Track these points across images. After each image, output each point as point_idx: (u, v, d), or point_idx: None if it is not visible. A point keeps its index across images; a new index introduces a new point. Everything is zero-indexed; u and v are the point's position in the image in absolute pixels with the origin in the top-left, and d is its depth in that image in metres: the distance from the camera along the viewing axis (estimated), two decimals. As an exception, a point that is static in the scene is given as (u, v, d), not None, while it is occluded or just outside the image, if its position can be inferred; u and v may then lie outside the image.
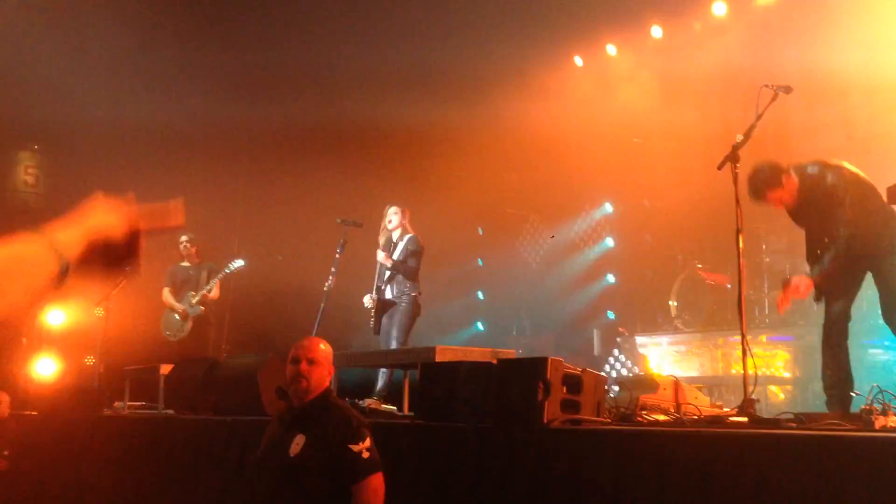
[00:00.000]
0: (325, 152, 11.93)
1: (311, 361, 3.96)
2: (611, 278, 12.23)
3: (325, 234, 9.09)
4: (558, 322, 12.28)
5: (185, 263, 9.34)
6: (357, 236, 7.95)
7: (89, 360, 10.25)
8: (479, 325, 13.60)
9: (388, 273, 7.72)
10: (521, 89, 11.79)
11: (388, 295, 7.73)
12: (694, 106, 11.80)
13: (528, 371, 4.17)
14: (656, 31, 11.61)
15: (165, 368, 7.40)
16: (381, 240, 7.93)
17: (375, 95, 11.18)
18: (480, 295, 13.88)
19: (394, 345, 7.40)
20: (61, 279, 1.42)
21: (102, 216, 1.49)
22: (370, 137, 11.70)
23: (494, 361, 4.61)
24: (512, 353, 6.57)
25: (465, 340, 12.49)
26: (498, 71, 11.37)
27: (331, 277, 7.57)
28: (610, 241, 12.46)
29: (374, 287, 7.75)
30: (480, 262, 14.10)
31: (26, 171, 12.19)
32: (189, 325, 9.13)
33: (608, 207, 12.61)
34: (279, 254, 11.68)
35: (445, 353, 5.77)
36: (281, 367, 4.06)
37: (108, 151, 10.92)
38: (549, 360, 4.12)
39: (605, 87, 12.19)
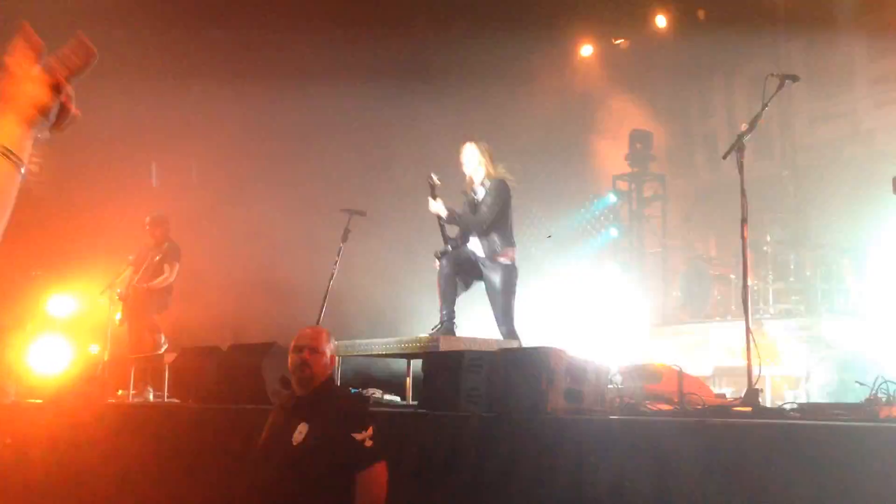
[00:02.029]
0: (329, 137, 11.91)
1: (314, 350, 3.95)
2: (614, 268, 12.21)
3: (330, 223, 9.10)
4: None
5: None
6: (361, 225, 7.91)
7: (94, 349, 10.26)
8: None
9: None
10: (524, 82, 11.77)
11: (477, 251, 6.41)
12: (696, 95, 11.80)
13: (532, 361, 4.17)
14: (660, 21, 11.58)
15: (170, 357, 7.41)
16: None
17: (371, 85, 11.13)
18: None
19: (503, 325, 6.31)
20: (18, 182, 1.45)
21: (30, 91, 1.45)
22: (373, 125, 11.67)
23: (498, 351, 4.60)
24: (516, 343, 6.57)
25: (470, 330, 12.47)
26: (499, 63, 11.35)
27: (334, 267, 7.51)
28: (614, 231, 12.43)
29: (443, 238, 6.49)
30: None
31: (30, 161, 12.19)
32: (119, 311, 8.90)
33: (612, 197, 12.58)
34: (282, 241, 11.67)
35: (449, 342, 5.77)
36: (284, 356, 4.06)
37: (111, 138, 10.92)
38: (553, 350, 4.11)
39: (608, 78, 12.17)
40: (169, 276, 8.93)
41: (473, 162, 6.44)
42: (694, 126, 12.51)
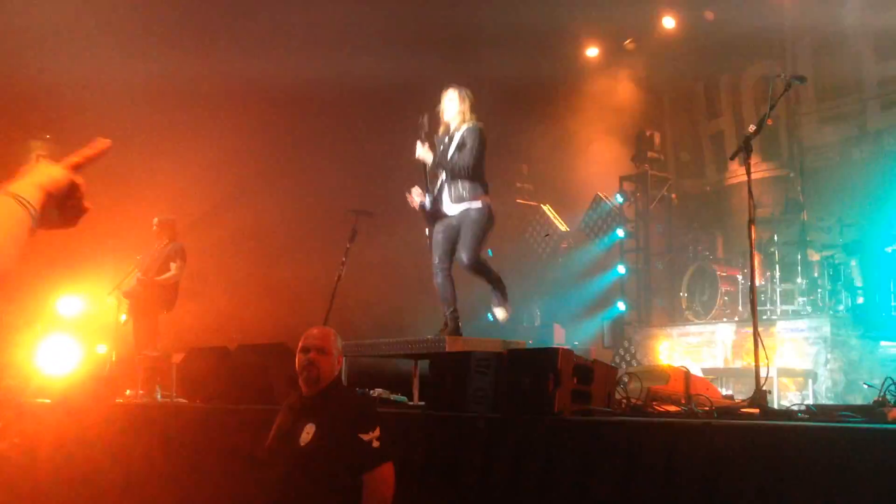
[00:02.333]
0: (336, 137, 11.92)
1: (321, 351, 3.95)
2: (621, 269, 12.20)
3: (337, 223, 9.09)
4: (568, 313, 12.25)
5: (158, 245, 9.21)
6: (368, 225, 7.90)
7: (102, 349, 10.28)
8: (490, 316, 13.56)
9: (442, 175, 6.38)
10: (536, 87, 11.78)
11: (447, 202, 6.35)
12: (702, 96, 11.78)
13: (539, 361, 4.16)
14: (668, 22, 11.56)
15: (178, 357, 7.41)
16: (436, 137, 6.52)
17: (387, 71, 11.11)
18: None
19: (464, 259, 6.17)
20: (33, 230, 1.53)
21: (49, 169, 1.62)
22: (379, 124, 11.66)
23: (505, 352, 4.59)
24: (523, 343, 6.56)
25: (476, 330, 12.46)
26: (506, 65, 11.34)
27: (342, 267, 7.50)
28: (620, 232, 12.41)
29: (427, 187, 6.39)
30: (490, 253, 14.04)
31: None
32: (125, 312, 8.93)
33: (619, 198, 12.56)
34: (290, 242, 11.66)
35: (456, 342, 5.77)
36: (292, 357, 4.06)
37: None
38: (560, 351, 4.11)
39: (614, 79, 12.16)
40: (175, 273, 8.94)
41: (454, 108, 6.36)
42: (701, 127, 12.48)
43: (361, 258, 7.96)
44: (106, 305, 9.73)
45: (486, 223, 6.24)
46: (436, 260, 6.34)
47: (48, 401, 7.99)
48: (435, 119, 6.47)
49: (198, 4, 10.88)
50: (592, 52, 12.64)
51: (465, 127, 6.31)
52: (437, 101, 6.48)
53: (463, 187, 6.21)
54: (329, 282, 7.52)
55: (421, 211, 6.39)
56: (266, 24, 11.16)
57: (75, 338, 10.18)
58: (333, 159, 12.04)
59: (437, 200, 6.34)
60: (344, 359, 4.16)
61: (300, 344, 4.01)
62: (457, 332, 6.17)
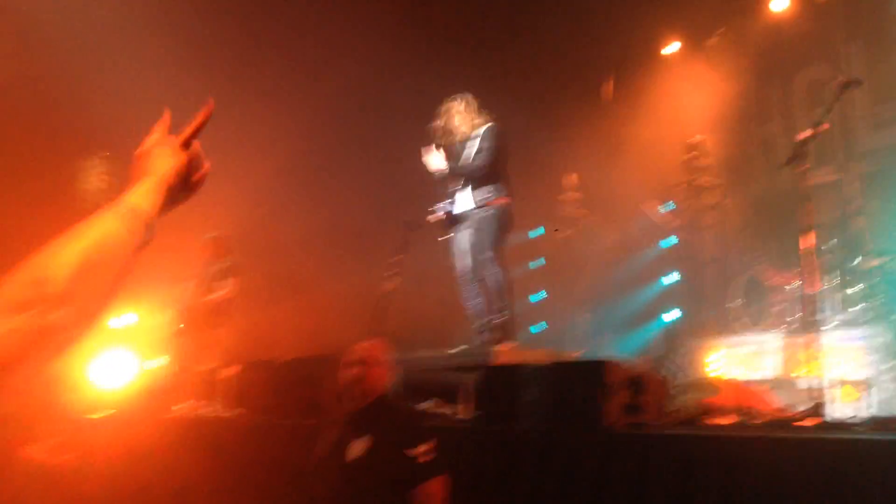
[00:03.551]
0: (385, 145, 11.96)
1: (367, 364, 3.92)
2: (671, 278, 12.01)
3: (389, 234, 9.11)
4: (619, 323, 12.10)
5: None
6: (420, 237, 7.88)
7: (157, 363, 10.41)
8: (533, 329, 13.50)
9: (461, 181, 6.28)
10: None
11: (467, 206, 6.26)
12: (757, 101, 11.59)
13: (590, 373, 4.09)
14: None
15: (230, 370, 7.47)
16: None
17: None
18: (543, 294, 13.78)
19: (487, 255, 6.10)
20: (145, 242, 1.54)
21: (162, 161, 1.61)
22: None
23: (554, 363, 4.53)
24: (572, 354, 6.48)
25: (525, 342, 12.40)
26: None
27: (394, 279, 7.48)
28: (673, 239, 12.22)
29: (442, 193, 6.37)
30: (542, 262, 14.00)
31: (99, 178, 12.45)
32: (179, 331, 9.03)
33: (668, 205, 12.37)
34: (341, 252, 11.72)
35: (503, 355, 5.71)
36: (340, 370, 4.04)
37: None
38: (610, 362, 4.03)
39: (660, 85, 12.02)
40: (229, 290, 9.02)
41: (461, 117, 6.33)
42: (751, 132, 12.26)
43: (413, 270, 7.95)
44: (161, 319, 9.86)
45: (504, 224, 6.22)
46: (461, 270, 6.29)
47: (103, 415, 8.10)
48: (446, 129, 6.41)
49: (241, 18, 11.04)
50: (671, 48, 12.48)
51: (481, 129, 6.28)
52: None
53: (483, 190, 6.21)
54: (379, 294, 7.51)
55: (444, 219, 6.39)
56: (313, 35, 11.26)
57: (130, 351, 10.33)
58: (383, 168, 12.09)
59: (455, 207, 6.35)
60: (394, 372, 4.13)
61: (347, 357, 4.00)
62: (503, 341, 6.09)
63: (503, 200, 6.22)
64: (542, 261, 14.03)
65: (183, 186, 1.65)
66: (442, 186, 6.44)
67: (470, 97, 6.40)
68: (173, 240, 9.77)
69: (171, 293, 9.34)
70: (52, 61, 10.10)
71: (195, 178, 1.67)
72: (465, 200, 6.31)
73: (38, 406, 6.90)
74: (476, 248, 6.24)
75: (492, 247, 6.12)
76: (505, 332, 6.15)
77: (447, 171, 6.31)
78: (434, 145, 6.34)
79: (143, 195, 1.53)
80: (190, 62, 10.59)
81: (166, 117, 1.72)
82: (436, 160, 6.34)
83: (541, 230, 14.09)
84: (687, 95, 11.69)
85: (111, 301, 1.44)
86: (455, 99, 6.40)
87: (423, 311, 10.46)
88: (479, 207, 6.21)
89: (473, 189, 6.24)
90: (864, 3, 10.30)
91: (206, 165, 1.70)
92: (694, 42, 11.88)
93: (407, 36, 10.97)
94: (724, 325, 10.36)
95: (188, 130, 1.69)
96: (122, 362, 9.94)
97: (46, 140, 10.75)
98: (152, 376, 9.46)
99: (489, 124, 6.29)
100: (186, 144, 1.66)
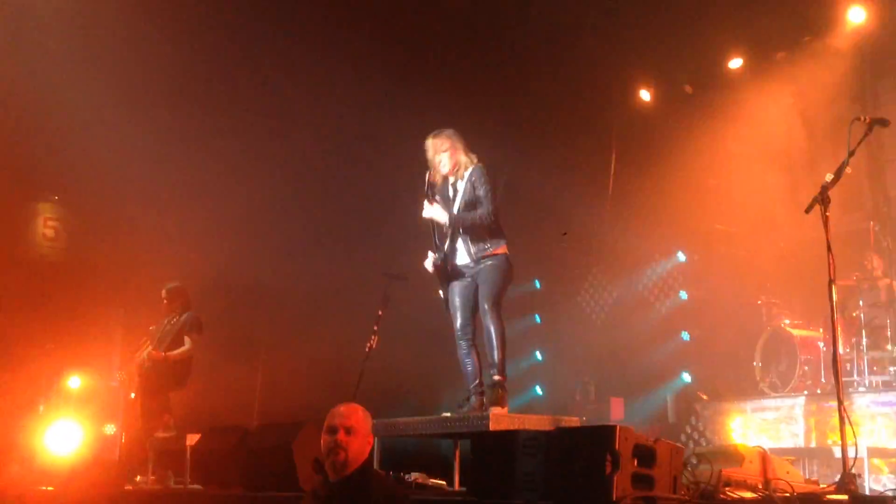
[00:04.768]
0: (368, 197, 12.01)
1: (350, 430, 3.92)
2: (686, 336, 12.04)
3: (367, 289, 9.11)
4: (627, 386, 12.10)
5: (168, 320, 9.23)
6: (401, 291, 7.90)
7: (110, 429, 10.33)
8: (538, 389, 13.47)
9: (452, 231, 6.32)
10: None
11: (463, 259, 6.34)
12: (778, 144, 11.73)
13: (594, 441, 4.08)
14: (735, 63, 11.56)
15: (192, 438, 7.41)
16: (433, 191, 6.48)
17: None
18: (539, 356, 13.76)
19: (485, 306, 6.11)
20: None
21: None
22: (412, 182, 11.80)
23: (556, 430, 4.53)
24: (575, 420, 6.48)
25: (522, 406, 12.37)
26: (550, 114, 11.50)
27: (372, 336, 7.49)
28: (684, 295, 12.30)
29: (435, 246, 6.40)
30: (538, 319, 14.00)
31: (46, 224, 12.43)
32: (136, 381, 8.90)
33: (681, 256, 12.47)
34: (315, 309, 11.69)
35: (500, 420, 5.70)
36: (317, 437, 4.04)
37: (130, 202, 11.12)
38: (618, 429, 4.03)
39: (670, 126, 12.15)
40: (189, 347, 8.94)
41: (446, 157, 6.35)
42: (769, 177, 12.37)
43: (394, 327, 7.96)
44: (115, 382, 9.80)
45: (504, 275, 6.23)
46: (457, 326, 6.33)
47: (52, 488, 8.02)
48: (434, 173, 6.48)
49: (209, 61, 11.12)
50: (645, 95, 12.64)
51: (467, 172, 6.33)
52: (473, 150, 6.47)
53: (480, 240, 6.24)
54: (358, 353, 7.51)
55: (435, 270, 6.37)
56: (288, 81, 11.36)
57: (82, 418, 10.26)
58: (363, 218, 12.13)
59: (450, 258, 6.33)
60: (375, 440, 4.13)
61: (326, 423, 3.99)
62: (498, 405, 6.08)
63: (502, 250, 6.28)
64: (536, 319, 14.04)
65: None
66: (435, 235, 6.45)
67: (452, 133, 6.43)
68: (127, 295, 9.74)
69: (127, 353, 9.28)
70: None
71: None
72: (460, 251, 6.37)
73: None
74: (473, 302, 6.28)
75: (492, 298, 6.16)
76: (500, 394, 6.14)
77: (448, 223, 6.33)
78: (427, 197, 6.37)
79: None
80: (147, 104, 10.67)
81: None
82: (433, 211, 6.35)
83: (535, 284, 14.14)
84: (704, 136, 11.81)
85: None
86: (438, 135, 6.43)
87: (407, 371, 10.46)
88: (477, 259, 6.25)
89: (470, 239, 6.30)
90: (892, 38, 10.50)
91: None
92: (709, 78, 12.05)
93: (387, 77, 11.09)
94: (745, 387, 10.38)
95: None
96: (74, 429, 9.87)
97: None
98: (107, 444, 9.39)
99: (475, 165, 6.34)
100: None
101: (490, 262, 6.21)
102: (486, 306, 6.11)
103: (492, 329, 6.08)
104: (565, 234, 12.77)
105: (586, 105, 12.18)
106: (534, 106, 12.21)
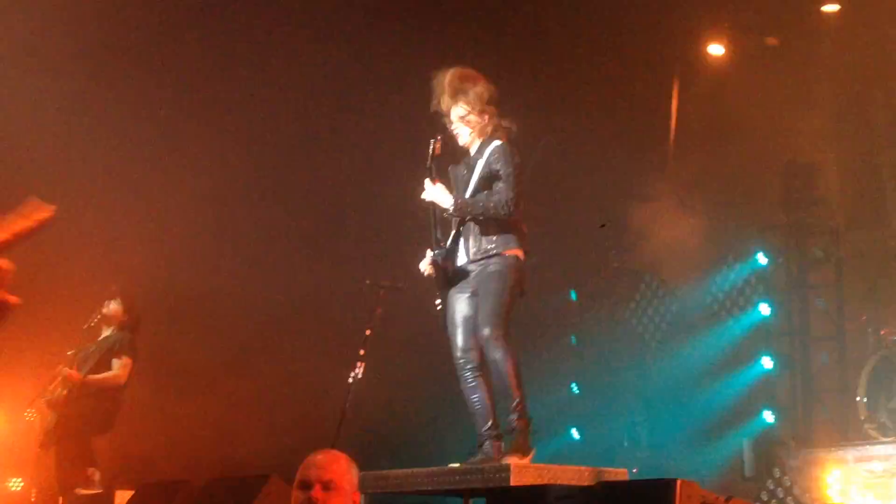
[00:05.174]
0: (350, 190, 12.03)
1: (329, 486, 3.92)
2: (768, 362, 12.02)
3: (351, 303, 9.11)
4: (690, 428, 12.08)
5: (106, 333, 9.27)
6: (395, 305, 7.92)
7: (16, 485, 10.35)
8: (574, 433, 13.47)
9: (457, 222, 6.26)
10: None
11: (462, 260, 6.30)
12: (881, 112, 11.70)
13: (648, 499, 4.10)
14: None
15: (122, 496, 7.42)
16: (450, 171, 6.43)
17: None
18: (575, 388, 13.75)
19: (485, 333, 6.00)
20: None
21: None
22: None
23: (598, 485, 4.54)
24: (623, 472, 6.46)
25: (553, 455, 12.35)
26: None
27: (358, 365, 7.50)
28: (764, 309, 12.26)
29: (433, 241, 6.33)
30: (574, 341, 13.98)
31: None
32: (49, 420, 8.90)
33: (760, 259, 12.44)
34: (285, 330, 11.68)
35: (525, 472, 5.69)
36: (286, 494, 4.05)
37: (59, 202, 11.14)
38: (679, 484, 4.04)
39: (750, 88, 12.13)
40: (118, 373, 8.93)
41: (460, 112, 6.23)
42: (879, 155, 12.34)
43: (386, 351, 7.97)
44: (24, 424, 9.79)
45: (514, 282, 6.13)
46: (457, 352, 6.24)
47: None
48: (449, 142, 6.40)
49: (173, 45, 11.21)
50: (716, 49, 12.64)
51: (488, 148, 6.23)
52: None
53: (489, 237, 6.14)
54: (340, 384, 7.52)
55: (432, 271, 6.29)
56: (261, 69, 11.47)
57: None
58: (345, 213, 12.13)
59: (451, 258, 6.27)
60: (362, 497, 4.13)
61: (298, 477, 4.00)
62: (518, 453, 6.05)
63: (514, 252, 6.20)
64: (572, 340, 14.02)
65: None
66: (436, 227, 6.38)
67: (482, 82, 6.27)
68: (45, 316, 9.74)
69: (40, 385, 9.25)
70: None
71: None
72: (460, 249, 6.29)
73: None
74: (475, 320, 6.21)
75: (495, 319, 6.04)
76: (522, 441, 6.11)
77: (452, 209, 6.23)
78: (429, 173, 6.29)
79: None
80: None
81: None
82: (440, 196, 6.23)
83: (571, 295, 14.12)
84: (791, 100, 11.79)
85: None
86: (460, 82, 6.25)
87: (402, 409, 10.46)
88: (479, 261, 6.19)
89: (472, 234, 6.21)
90: None
91: (11, 299, 1.82)
92: (797, 26, 12.04)
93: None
94: (846, 430, 10.37)
95: (7, 233, 1.76)
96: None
97: None
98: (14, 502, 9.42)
99: (498, 143, 6.24)
100: (1, 248, 1.71)
101: (491, 268, 6.10)
102: (485, 332, 5.96)
103: (499, 361, 5.99)
104: (603, 225, 12.72)
105: (638, 62, 12.17)
106: (568, 64, 12.19)
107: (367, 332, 7.60)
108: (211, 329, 11.52)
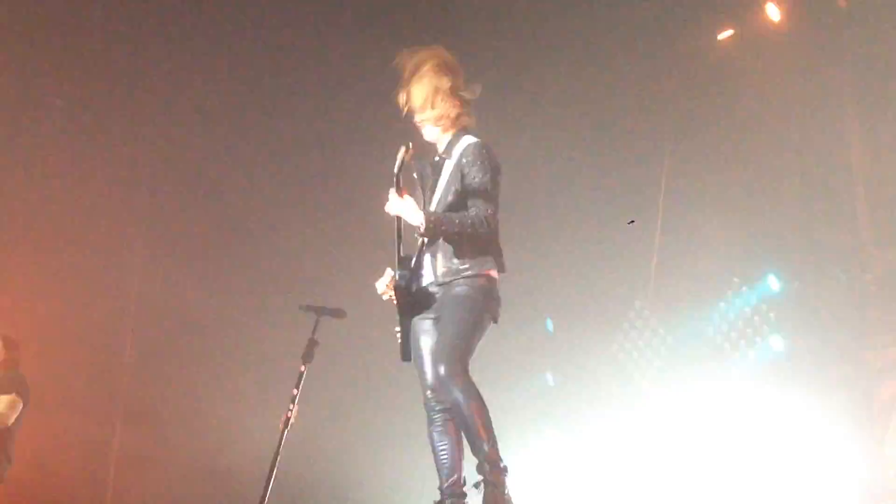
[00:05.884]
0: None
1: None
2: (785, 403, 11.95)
3: (282, 332, 9.02)
4: (696, 489, 11.98)
5: None
6: (334, 333, 7.80)
7: None
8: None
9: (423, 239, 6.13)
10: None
11: (431, 277, 6.23)
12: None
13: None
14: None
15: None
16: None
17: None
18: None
19: (441, 371, 5.85)
20: None
21: None
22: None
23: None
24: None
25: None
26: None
27: (291, 406, 7.37)
28: (778, 342, 12.18)
29: (397, 260, 6.18)
30: (550, 380, 13.92)
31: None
32: None
33: (773, 283, 12.36)
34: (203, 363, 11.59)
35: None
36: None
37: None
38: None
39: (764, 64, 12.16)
40: (6, 414, 8.99)
41: (428, 103, 6.13)
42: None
43: (326, 391, 7.83)
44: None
45: (481, 308, 5.99)
46: (426, 391, 6.11)
47: None
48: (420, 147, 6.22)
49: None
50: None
51: (459, 147, 6.15)
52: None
53: (459, 255, 6.01)
54: (270, 431, 7.42)
55: (394, 295, 6.12)
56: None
57: None
58: (275, 224, 12.07)
59: (415, 279, 6.12)
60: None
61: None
62: None
63: (485, 274, 6.05)
64: (547, 379, 13.99)
65: None
66: (400, 243, 6.11)
67: (449, 62, 6.13)
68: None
69: None
70: None
71: None
72: (426, 268, 6.17)
73: None
74: (435, 351, 6.01)
75: (452, 354, 5.85)
76: (495, 496, 5.92)
77: (423, 228, 5.92)
78: (396, 183, 6.08)
79: None
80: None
81: None
82: (408, 210, 5.96)
83: (547, 325, 14.05)
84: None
85: None
86: (418, 62, 6.13)
87: (346, 459, 10.33)
88: (443, 284, 6.05)
89: (445, 252, 6.05)
90: None
91: None
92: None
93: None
94: (892, 485, 10.32)
95: None
96: None
97: None
98: None
99: (470, 141, 6.13)
100: None
101: (456, 290, 5.98)
102: (441, 370, 5.79)
103: (461, 404, 5.80)
104: (632, 221, 12.72)
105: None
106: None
107: (302, 370, 7.44)
108: (112, 363, 11.42)
